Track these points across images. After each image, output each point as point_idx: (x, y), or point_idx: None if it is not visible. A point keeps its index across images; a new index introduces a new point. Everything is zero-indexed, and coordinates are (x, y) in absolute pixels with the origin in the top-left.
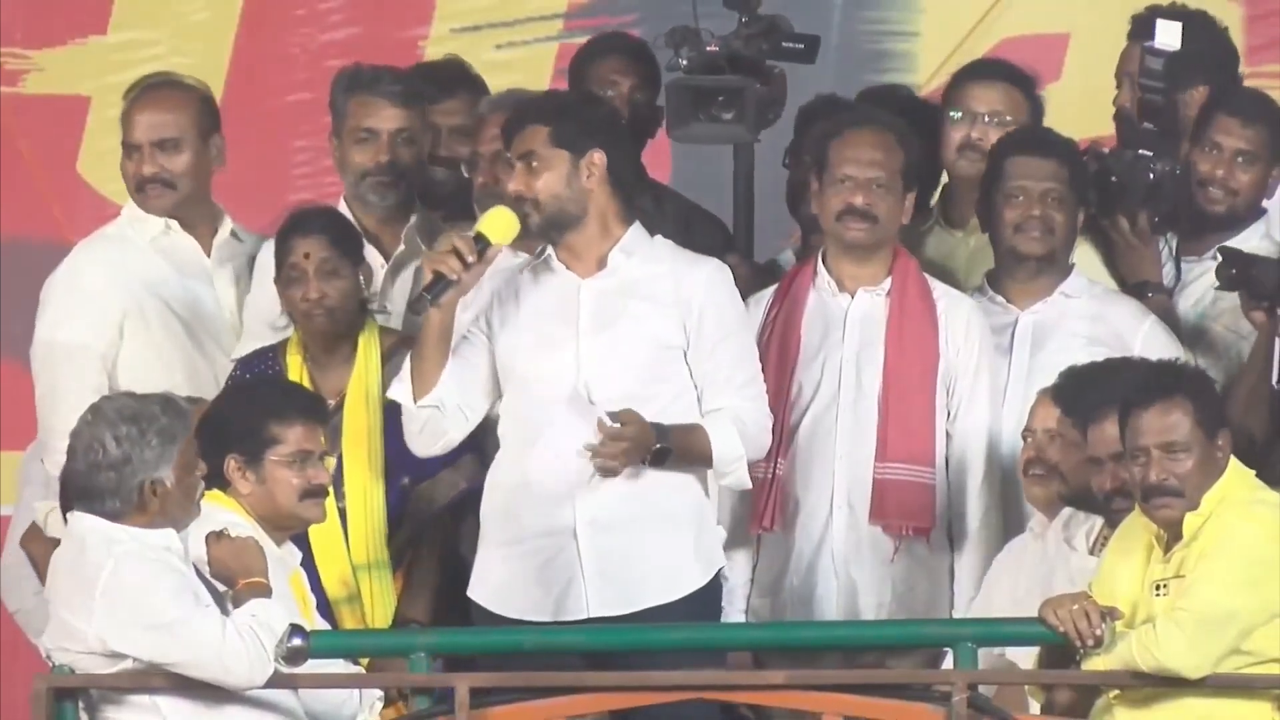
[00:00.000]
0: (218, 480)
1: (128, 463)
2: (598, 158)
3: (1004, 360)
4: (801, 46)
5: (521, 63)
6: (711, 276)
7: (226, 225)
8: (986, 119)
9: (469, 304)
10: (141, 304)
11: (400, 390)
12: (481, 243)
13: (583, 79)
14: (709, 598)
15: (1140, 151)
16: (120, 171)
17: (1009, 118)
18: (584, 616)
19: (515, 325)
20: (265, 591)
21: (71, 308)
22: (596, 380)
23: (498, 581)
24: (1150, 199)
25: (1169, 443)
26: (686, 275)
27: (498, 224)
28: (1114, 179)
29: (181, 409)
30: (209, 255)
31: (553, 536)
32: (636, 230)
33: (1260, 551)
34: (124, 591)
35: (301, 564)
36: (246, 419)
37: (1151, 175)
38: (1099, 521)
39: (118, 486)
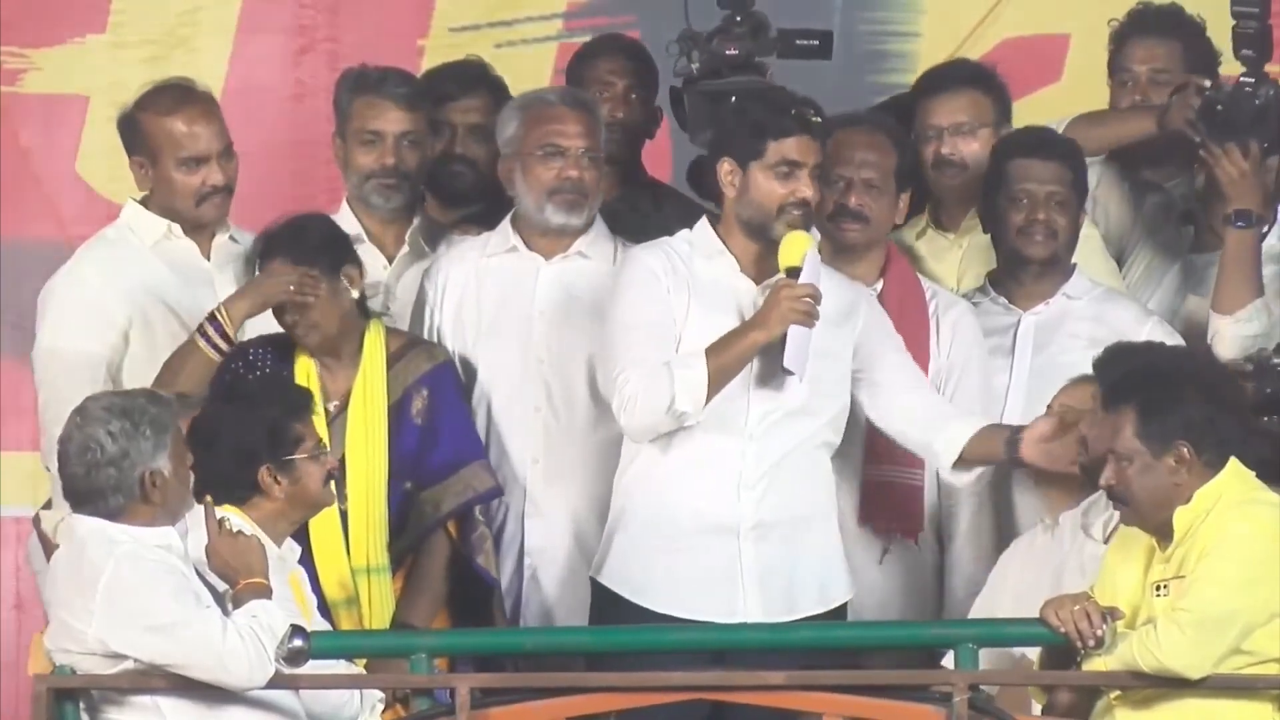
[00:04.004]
0: (237, 493)
1: (126, 457)
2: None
3: (1006, 362)
4: (816, 43)
5: (521, 62)
6: (868, 295)
7: (226, 228)
8: (951, 131)
9: (440, 302)
10: (146, 311)
11: (691, 403)
12: (796, 274)
13: (579, 80)
14: (844, 615)
15: (1241, 79)
16: (170, 186)
17: (976, 123)
18: (741, 620)
19: (699, 322)
20: (266, 592)
21: (75, 315)
22: (773, 387)
23: (642, 572)
24: (1257, 125)
25: (1113, 450)
26: (845, 294)
27: (797, 249)
28: (1219, 108)
29: (166, 399)
30: (207, 258)
31: (716, 535)
32: None
33: (1259, 551)
34: (124, 593)
35: (302, 564)
36: (270, 427)
37: (1257, 102)
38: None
39: (119, 482)
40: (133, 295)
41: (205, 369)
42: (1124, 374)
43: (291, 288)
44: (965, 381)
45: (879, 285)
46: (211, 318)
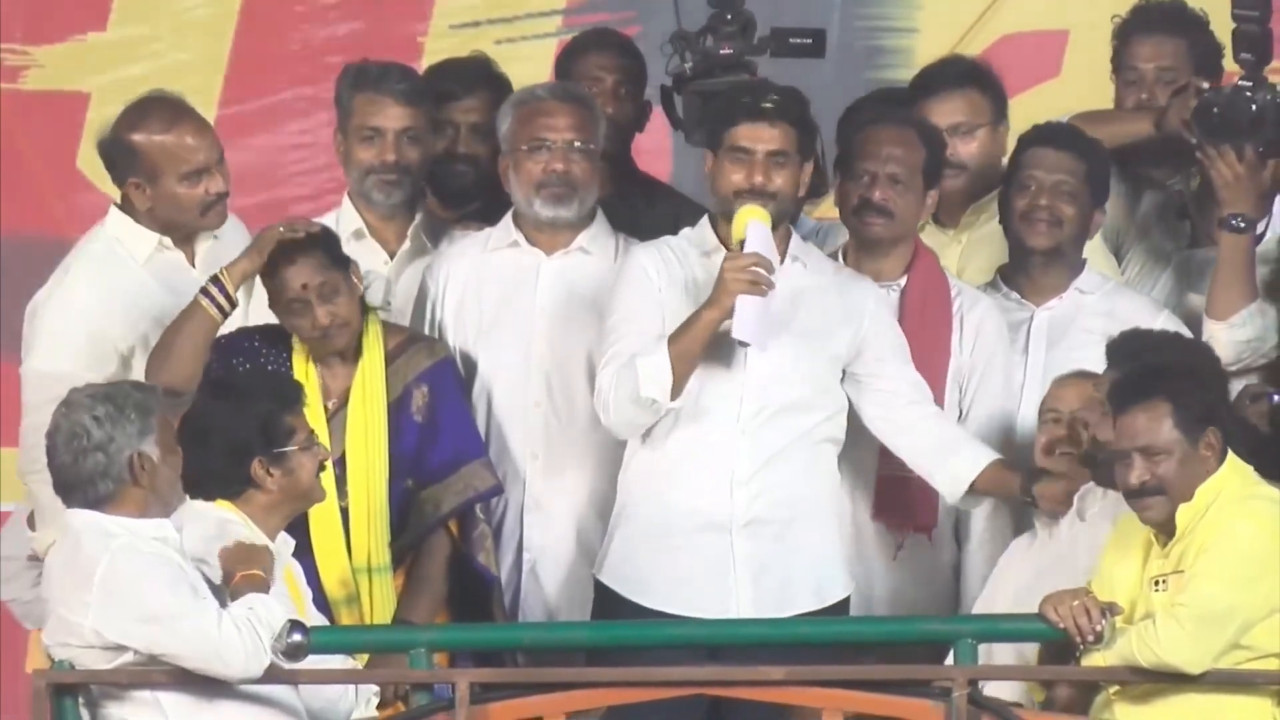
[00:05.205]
0: (231, 488)
1: (112, 441)
2: (808, 167)
3: (1020, 358)
4: (809, 42)
5: (521, 59)
6: (877, 295)
7: (207, 233)
8: (950, 133)
9: (442, 297)
10: (146, 333)
11: (657, 390)
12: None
13: (569, 74)
14: (844, 612)
15: (1239, 83)
16: (175, 201)
17: (974, 123)
18: (733, 617)
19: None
20: (263, 585)
21: (74, 342)
22: (767, 381)
23: (639, 570)
24: (1254, 128)
25: (1146, 446)
26: (851, 290)
27: (742, 223)
28: (1215, 110)
29: (152, 386)
30: (193, 265)
31: (709, 531)
32: (798, 238)
33: (1258, 547)
34: (119, 584)
35: (303, 565)
36: (262, 420)
37: (1254, 106)
38: (1113, 496)
39: (107, 467)
40: (132, 319)
41: (207, 328)
42: (1138, 371)
43: (282, 228)
44: (988, 380)
45: (903, 281)
46: (215, 279)
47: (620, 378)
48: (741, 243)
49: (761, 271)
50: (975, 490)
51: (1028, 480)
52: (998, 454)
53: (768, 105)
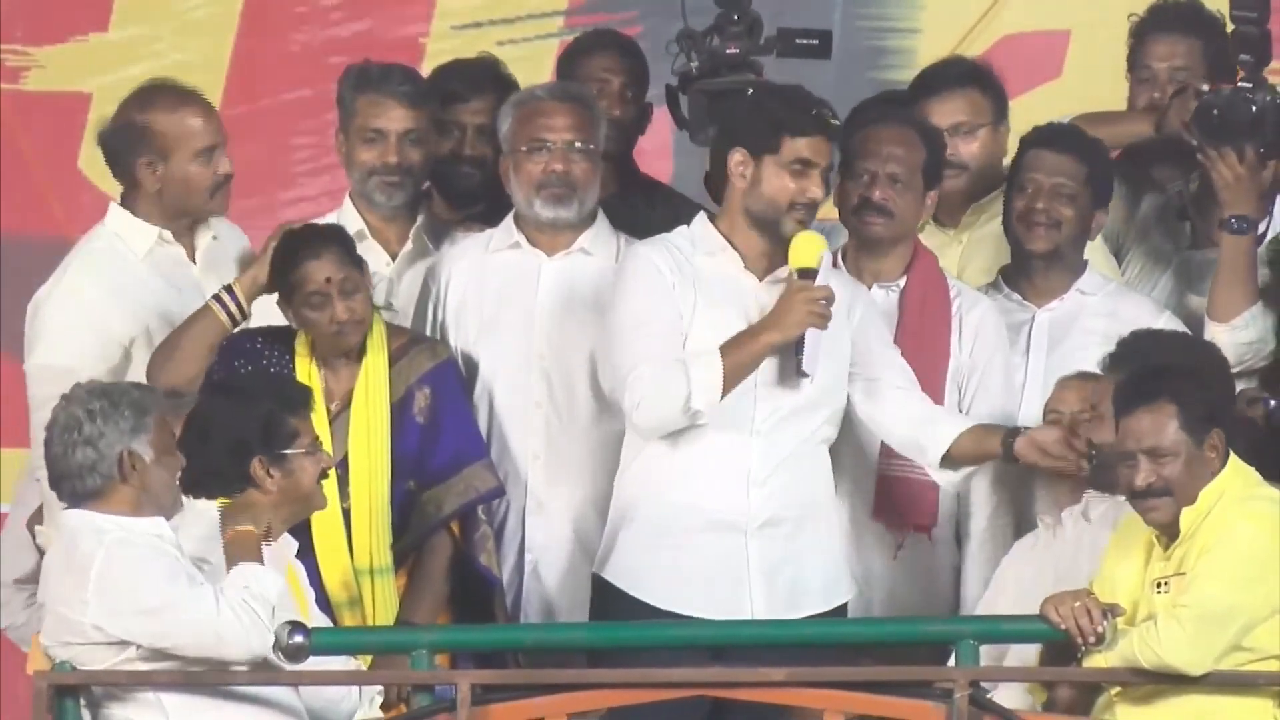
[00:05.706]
0: (232, 486)
1: (103, 436)
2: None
3: (1021, 360)
4: (816, 43)
5: (522, 60)
6: (867, 295)
7: (208, 229)
8: (951, 132)
9: (443, 297)
10: (148, 327)
11: (705, 400)
12: (808, 275)
13: (572, 76)
14: (844, 614)
15: (1239, 84)
16: (185, 181)
17: (975, 123)
18: (747, 617)
19: (705, 318)
20: (255, 544)
21: (73, 333)
22: (777, 384)
23: (649, 568)
24: (1255, 131)
25: (1153, 448)
26: (844, 291)
27: (811, 251)
28: (1215, 112)
29: (152, 387)
30: (193, 261)
31: (724, 532)
32: None
33: (1259, 548)
34: (116, 578)
35: (305, 567)
36: (265, 420)
37: (1254, 108)
38: (1117, 499)
39: (96, 462)
40: (133, 313)
41: (215, 332)
42: (1141, 373)
43: (283, 229)
44: (988, 381)
45: (902, 281)
46: (227, 289)
47: (665, 382)
48: (805, 271)
49: (828, 305)
50: (954, 457)
51: (1008, 438)
52: (981, 422)
53: (835, 121)
